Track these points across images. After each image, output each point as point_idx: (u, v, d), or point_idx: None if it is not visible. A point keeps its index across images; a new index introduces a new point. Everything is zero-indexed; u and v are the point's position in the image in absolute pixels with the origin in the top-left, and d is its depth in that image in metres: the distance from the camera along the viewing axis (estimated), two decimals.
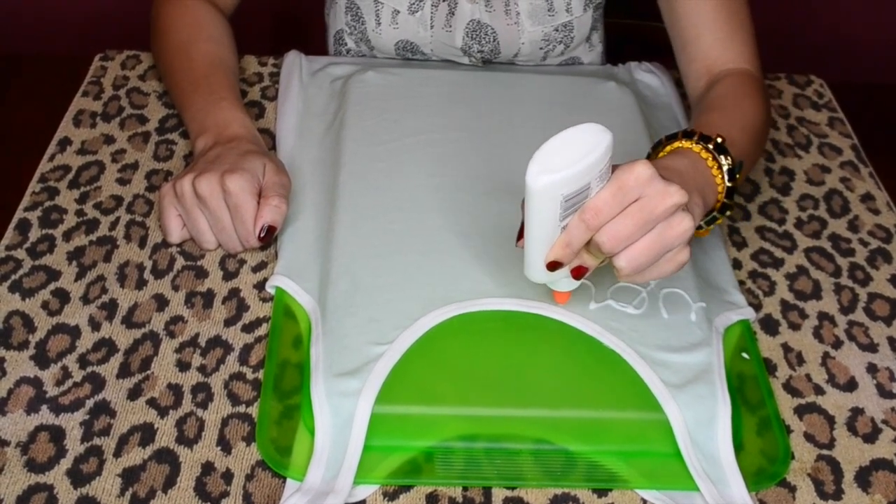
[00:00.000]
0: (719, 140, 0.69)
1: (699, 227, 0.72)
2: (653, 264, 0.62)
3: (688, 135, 0.70)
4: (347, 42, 1.01)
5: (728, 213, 0.71)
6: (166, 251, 0.77)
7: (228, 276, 0.76)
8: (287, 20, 1.60)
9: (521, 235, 0.64)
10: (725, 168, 0.69)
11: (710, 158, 0.69)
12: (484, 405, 0.65)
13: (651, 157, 0.73)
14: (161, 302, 0.73)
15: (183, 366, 0.69)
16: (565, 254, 0.62)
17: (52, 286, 0.74)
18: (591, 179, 0.59)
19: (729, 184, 0.69)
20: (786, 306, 0.77)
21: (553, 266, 0.63)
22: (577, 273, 0.64)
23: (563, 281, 0.66)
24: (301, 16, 1.57)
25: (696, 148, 0.70)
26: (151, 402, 0.66)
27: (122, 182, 0.84)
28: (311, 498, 0.60)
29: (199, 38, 0.90)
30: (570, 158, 0.58)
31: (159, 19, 0.93)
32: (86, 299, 0.73)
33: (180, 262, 0.76)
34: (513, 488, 0.63)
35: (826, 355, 0.73)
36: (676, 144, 0.71)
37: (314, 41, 1.06)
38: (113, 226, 0.79)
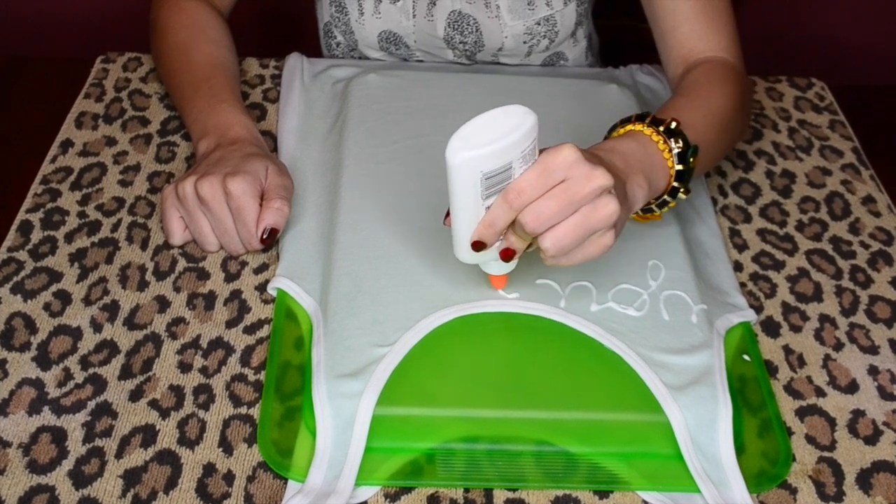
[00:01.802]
0: (673, 125, 0.70)
1: (650, 211, 0.73)
2: (578, 247, 0.62)
3: (641, 118, 0.71)
4: (336, 35, 1.02)
5: (682, 196, 0.71)
6: (168, 253, 0.77)
7: (230, 277, 0.76)
8: (283, 18, 1.60)
9: (449, 213, 0.65)
10: (676, 151, 0.69)
11: (662, 141, 0.70)
12: (485, 407, 0.65)
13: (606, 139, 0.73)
14: (163, 303, 0.73)
15: (184, 367, 0.69)
16: (489, 234, 0.63)
17: (53, 288, 0.74)
18: (513, 160, 0.60)
19: (680, 167, 0.70)
20: (787, 308, 0.77)
21: (478, 246, 0.63)
22: (506, 255, 0.64)
23: (493, 264, 0.67)
24: (297, 14, 1.57)
25: (648, 131, 0.70)
26: (153, 404, 0.66)
27: (124, 184, 0.84)
28: (312, 499, 0.60)
29: (199, 40, 0.90)
30: (491, 137, 0.59)
31: (158, 21, 0.93)
32: (87, 301, 0.73)
33: (182, 263, 0.76)
34: (514, 490, 0.63)
35: (827, 357, 0.73)
36: (629, 127, 0.71)
37: (312, 39, 1.06)
38: (115, 227, 0.79)
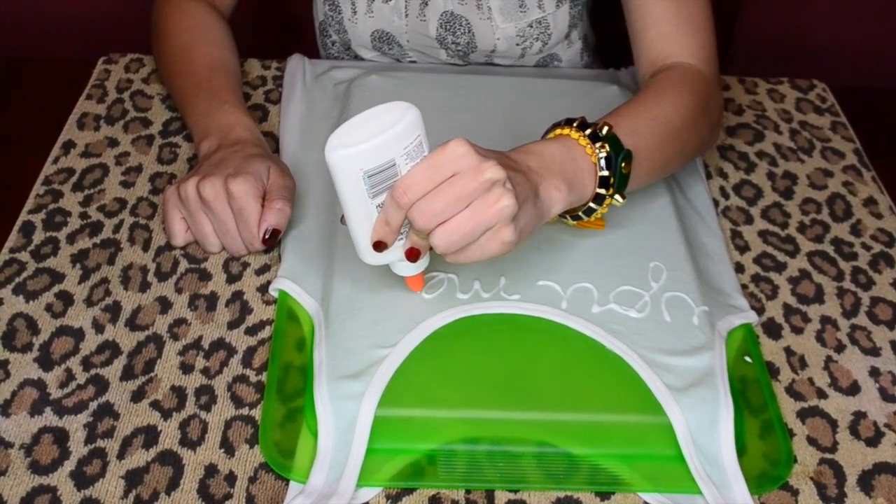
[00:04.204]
0: (604, 130, 0.68)
1: (577, 218, 0.72)
2: (473, 243, 0.61)
3: (570, 121, 0.70)
4: (331, 34, 1.02)
5: (616, 202, 0.70)
6: (170, 254, 0.77)
7: (232, 278, 0.76)
8: (284, 19, 1.60)
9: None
10: (601, 156, 0.68)
11: (589, 145, 0.68)
12: (487, 408, 0.65)
13: None
14: (164, 304, 0.73)
15: (186, 368, 0.69)
16: (385, 233, 0.62)
17: (55, 289, 0.74)
18: (396, 156, 0.60)
19: (605, 173, 0.68)
20: (788, 310, 0.77)
21: (378, 246, 0.63)
22: (410, 255, 0.64)
23: (402, 264, 0.66)
24: (298, 14, 1.57)
25: (575, 134, 0.69)
26: (155, 405, 0.66)
27: (126, 185, 0.84)
28: (314, 500, 0.60)
29: (200, 41, 0.90)
30: (369, 133, 0.59)
31: (160, 23, 0.93)
32: (89, 302, 0.73)
33: (184, 264, 0.77)
34: (515, 491, 0.63)
35: (829, 359, 0.73)
36: (558, 131, 0.70)
37: (313, 40, 1.06)
38: (117, 228, 0.79)
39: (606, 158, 0.68)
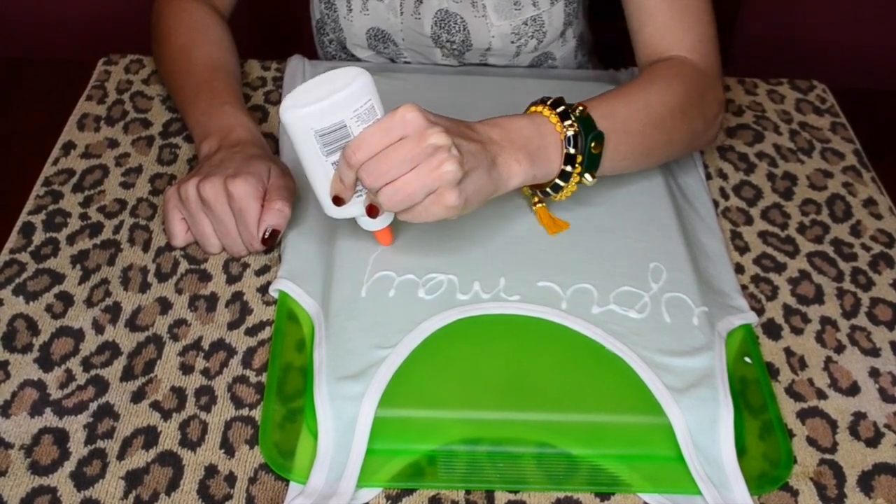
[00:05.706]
0: (579, 110, 0.70)
1: (546, 193, 0.74)
2: (418, 204, 0.63)
3: (545, 100, 0.72)
4: (328, 32, 1.02)
5: (585, 181, 0.72)
6: (170, 255, 0.77)
7: (232, 279, 0.76)
8: (284, 20, 1.60)
9: None
10: (569, 134, 0.70)
11: (559, 123, 0.70)
12: (487, 409, 0.65)
13: None
14: (164, 305, 0.73)
15: (186, 369, 0.69)
16: (341, 188, 0.66)
17: (55, 289, 0.74)
18: (346, 118, 0.64)
19: (572, 150, 0.70)
20: (788, 311, 0.77)
21: (336, 201, 0.67)
22: (371, 211, 0.67)
23: (365, 219, 0.70)
24: (298, 15, 1.57)
25: (546, 112, 0.71)
26: (155, 405, 0.66)
27: (126, 186, 0.84)
28: (313, 501, 0.60)
29: (200, 42, 0.90)
30: (321, 95, 0.63)
31: (159, 23, 0.93)
32: (89, 302, 0.73)
33: (184, 265, 0.77)
34: (515, 492, 0.63)
35: (828, 360, 0.73)
36: (532, 109, 0.72)
37: (313, 40, 1.06)
38: (117, 229, 0.79)
39: (574, 136, 0.70)
